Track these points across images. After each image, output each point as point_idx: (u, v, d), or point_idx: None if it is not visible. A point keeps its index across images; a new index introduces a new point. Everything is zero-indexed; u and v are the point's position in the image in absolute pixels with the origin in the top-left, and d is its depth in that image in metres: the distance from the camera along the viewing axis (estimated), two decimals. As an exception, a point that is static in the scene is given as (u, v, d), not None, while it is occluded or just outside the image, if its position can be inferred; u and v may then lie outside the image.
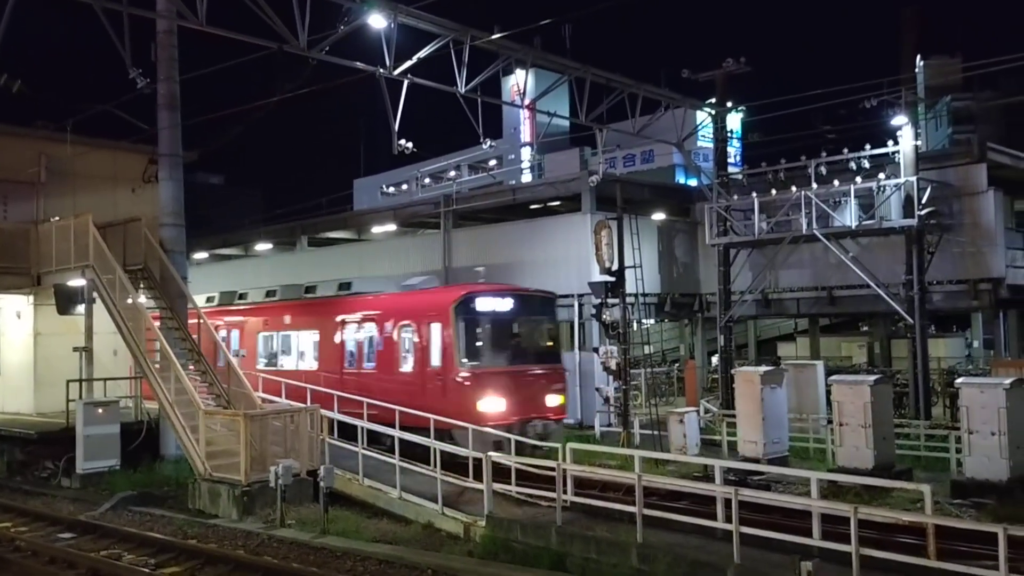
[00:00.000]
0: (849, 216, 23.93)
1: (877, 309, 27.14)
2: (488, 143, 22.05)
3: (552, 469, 13.59)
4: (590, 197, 27.61)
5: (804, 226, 24.33)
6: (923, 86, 40.46)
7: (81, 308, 21.56)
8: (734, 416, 19.92)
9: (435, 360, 19.54)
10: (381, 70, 17.92)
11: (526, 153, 49.84)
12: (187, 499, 17.19)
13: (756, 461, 17.36)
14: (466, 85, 19.18)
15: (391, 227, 35.51)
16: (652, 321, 32.02)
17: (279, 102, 19.53)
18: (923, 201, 23.02)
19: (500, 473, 14.72)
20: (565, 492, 13.44)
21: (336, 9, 16.60)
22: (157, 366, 18.84)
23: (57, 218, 22.51)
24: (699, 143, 35.05)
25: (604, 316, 22.07)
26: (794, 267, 27.51)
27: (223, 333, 25.77)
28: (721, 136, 27.36)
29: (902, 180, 23.07)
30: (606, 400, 23.58)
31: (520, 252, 28.50)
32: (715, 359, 30.92)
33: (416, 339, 20.17)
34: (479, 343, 19.75)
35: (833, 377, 18.17)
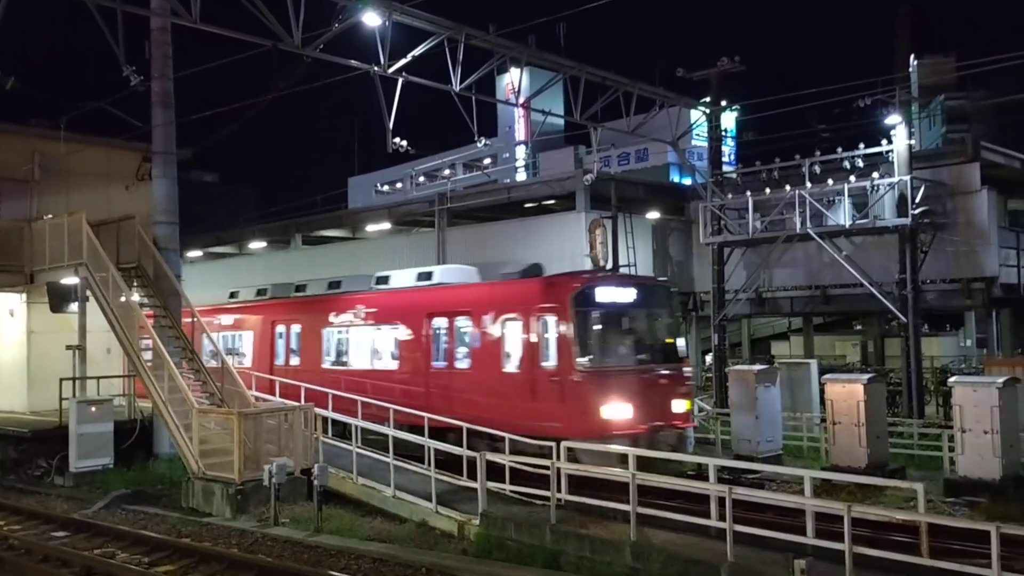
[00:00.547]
0: (843, 215, 23.99)
1: (871, 308, 27.23)
2: (483, 141, 22.07)
3: (546, 467, 13.59)
4: (584, 196, 27.66)
5: (798, 225, 24.39)
6: (917, 85, 40.61)
7: (74, 306, 21.49)
8: (728, 414, 19.95)
9: (548, 359, 17.18)
10: (376, 68, 17.90)
11: (521, 152, 49.87)
12: (181, 498, 17.15)
13: (750, 459, 17.39)
14: (461, 83, 19.18)
15: (386, 225, 35.53)
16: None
17: (273, 100, 19.50)
18: (917, 200, 23.09)
19: (494, 471, 14.71)
20: (559, 491, 13.44)
21: (330, 7, 16.59)
22: (150, 364, 18.79)
23: (51, 216, 22.45)
24: (693, 142, 35.12)
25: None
26: (788, 266, 27.59)
27: (280, 329, 24.72)
28: (715, 135, 27.40)
29: (896, 179, 23.13)
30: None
31: (515, 251, 28.52)
32: (709, 358, 30.97)
33: (524, 335, 17.77)
34: (601, 339, 17.54)
35: (827, 376, 18.20)
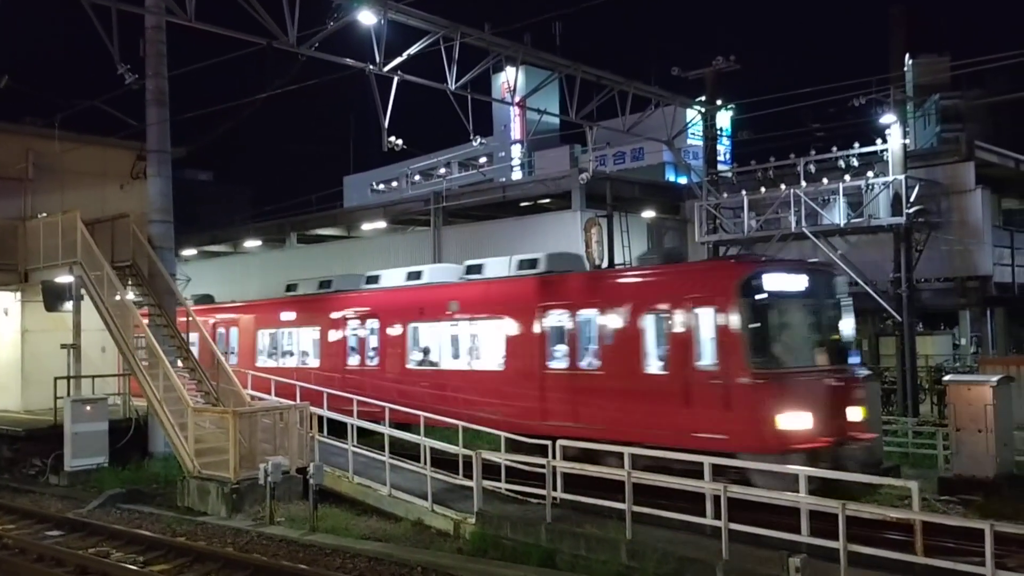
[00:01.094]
0: (838, 214, 24.04)
1: (865, 307, 27.18)
2: (478, 140, 22.06)
3: (542, 466, 13.59)
4: (580, 195, 27.67)
5: (793, 224, 24.43)
6: (912, 84, 40.63)
7: (69, 305, 21.46)
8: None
9: (707, 358, 14.85)
10: (371, 67, 17.88)
11: (516, 150, 49.88)
12: (176, 497, 17.13)
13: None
14: (456, 82, 19.16)
15: (381, 224, 35.51)
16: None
17: (268, 99, 19.48)
18: (911, 199, 23.14)
19: (489, 470, 14.72)
20: (555, 489, 13.45)
21: (326, 5, 16.57)
22: (145, 363, 18.76)
23: (45, 214, 22.41)
24: (689, 141, 35.14)
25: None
26: (783, 265, 27.57)
27: (353, 326, 22.43)
28: (711, 134, 27.43)
29: (890, 178, 23.18)
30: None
31: (510, 249, 28.38)
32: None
33: (674, 330, 15.37)
34: (774, 334, 15.15)
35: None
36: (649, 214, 30.58)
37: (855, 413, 14.87)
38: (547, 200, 30.46)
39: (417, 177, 46.89)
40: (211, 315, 27.23)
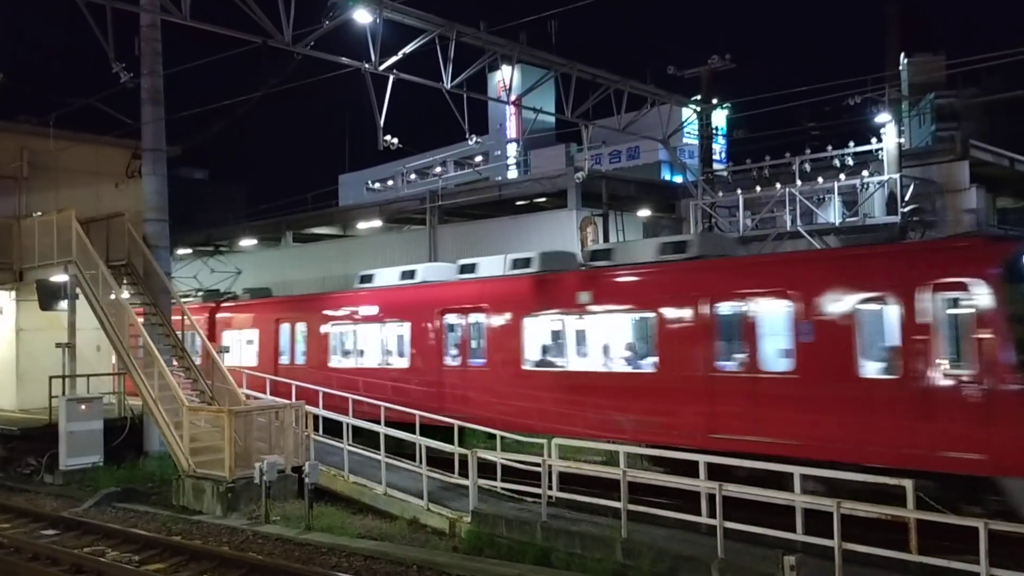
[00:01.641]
0: (833, 213, 24.07)
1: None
2: (474, 139, 22.04)
3: (538, 465, 13.61)
4: (576, 193, 27.65)
5: (788, 223, 24.45)
6: (907, 83, 40.71)
7: (64, 304, 21.44)
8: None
9: (954, 357, 12.32)
10: (366, 65, 17.87)
11: (512, 149, 49.88)
12: (171, 495, 17.13)
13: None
14: (452, 81, 19.16)
15: (376, 223, 35.46)
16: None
17: (264, 97, 19.45)
18: (906, 198, 23.17)
19: (485, 469, 14.72)
20: (550, 488, 13.46)
21: (321, 4, 16.56)
22: (140, 362, 18.74)
23: (40, 213, 22.37)
24: (684, 139, 35.18)
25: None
26: (779, 263, 27.56)
27: (452, 320, 19.73)
28: (706, 133, 27.47)
29: (886, 177, 23.22)
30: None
31: (506, 248, 28.38)
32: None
33: (905, 323, 12.58)
34: None
35: None
36: (645, 213, 30.58)
37: None
38: (543, 199, 30.44)
39: (413, 176, 46.83)
40: (269, 311, 25.14)
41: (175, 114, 21.55)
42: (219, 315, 26.85)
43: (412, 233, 34.23)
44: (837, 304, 13.38)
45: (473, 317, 19.27)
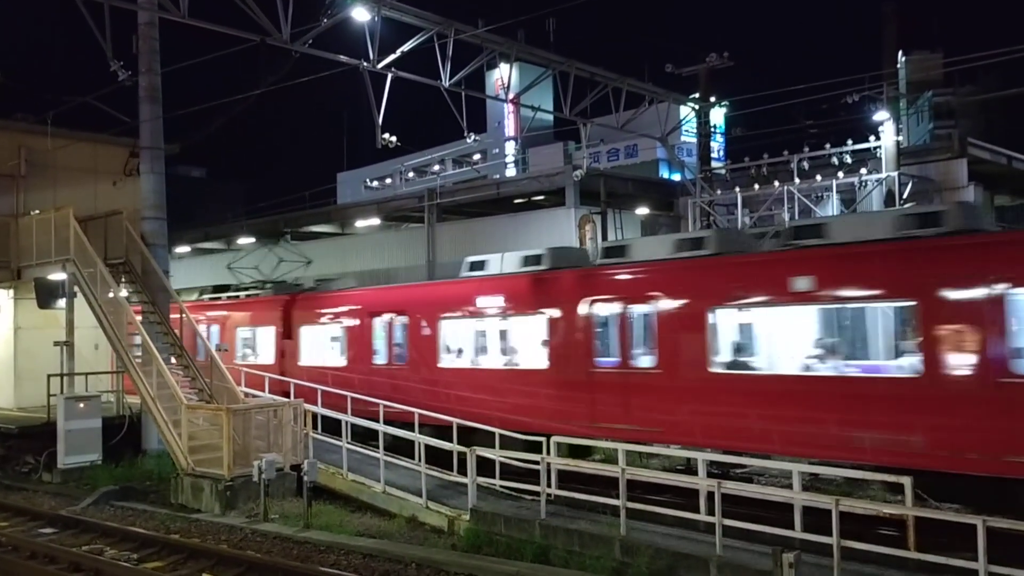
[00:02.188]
0: (831, 210, 24.09)
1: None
2: (472, 137, 22.05)
3: (536, 463, 13.61)
4: (574, 191, 27.66)
5: (787, 220, 24.46)
6: (904, 81, 40.74)
7: (62, 302, 21.41)
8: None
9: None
10: (365, 63, 17.87)
11: (510, 147, 49.90)
12: (169, 494, 17.12)
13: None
14: (450, 79, 19.16)
15: (375, 221, 35.46)
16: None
17: (262, 95, 19.45)
18: (904, 196, 23.20)
19: (484, 467, 14.72)
20: (549, 486, 13.47)
21: (319, 2, 16.54)
22: (139, 360, 18.73)
23: (37, 211, 22.34)
24: (683, 138, 35.19)
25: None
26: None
27: (608, 312, 16.40)
28: (704, 131, 27.46)
29: (884, 175, 23.25)
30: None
31: (504, 246, 28.39)
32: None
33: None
34: None
35: None
36: (643, 211, 30.60)
37: None
38: (541, 197, 30.46)
39: (411, 174, 46.82)
40: (361, 303, 21.85)
41: (173, 112, 21.54)
42: (297, 309, 23.60)
43: (410, 231, 34.24)
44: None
45: (639, 309, 15.94)
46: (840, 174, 24.06)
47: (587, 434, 15.91)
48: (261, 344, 24.77)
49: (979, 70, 35.84)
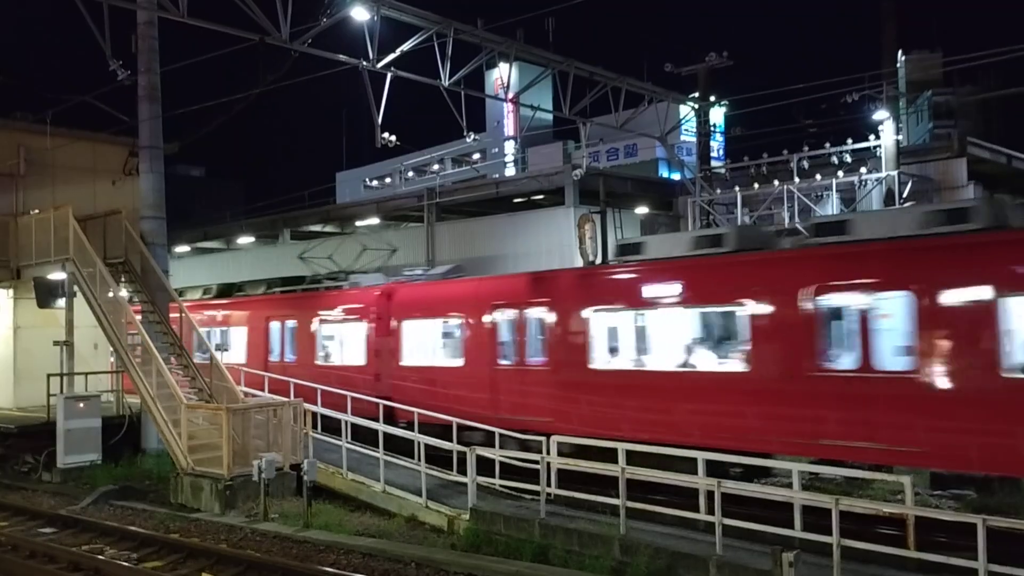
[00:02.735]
0: (831, 210, 24.10)
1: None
2: (472, 137, 22.05)
3: (536, 463, 13.61)
4: (573, 191, 27.66)
5: (786, 220, 24.48)
6: (904, 81, 40.74)
7: (61, 302, 21.39)
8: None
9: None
10: (364, 63, 17.87)
11: (509, 147, 49.89)
12: (169, 493, 17.11)
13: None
14: (449, 78, 19.16)
15: (374, 220, 35.47)
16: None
17: (261, 94, 19.46)
18: (904, 195, 23.20)
19: (484, 466, 14.73)
20: (549, 485, 13.47)
21: (319, 1, 16.54)
22: (138, 360, 18.72)
23: (36, 210, 22.32)
24: (682, 137, 35.18)
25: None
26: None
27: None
28: (704, 130, 27.46)
29: (883, 174, 23.26)
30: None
31: (503, 245, 28.52)
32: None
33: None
34: None
35: None
36: (642, 210, 30.60)
37: None
38: (540, 196, 30.46)
39: (410, 173, 46.88)
40: (471, 294, 19.34)
41: (172, 111, 21.54)
42: (399, 302, 20.66)
43: (410, 230, 34.23)
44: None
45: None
46: (840, 173, 24.06)
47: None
48: (349, 342, 21.91)
49: (978, 70, 35.85)
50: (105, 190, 24.84)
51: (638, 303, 16.02)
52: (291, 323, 23.63)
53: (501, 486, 14.84)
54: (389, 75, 18.56)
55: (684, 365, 15.28)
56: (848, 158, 24.27)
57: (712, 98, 27.36)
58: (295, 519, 14.82)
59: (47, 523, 15.30)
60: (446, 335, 19.80)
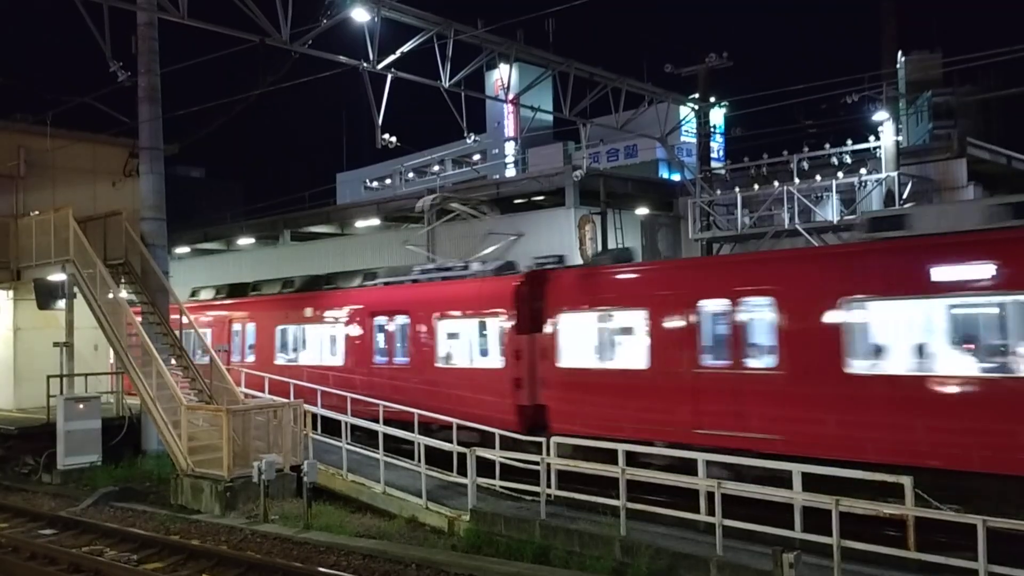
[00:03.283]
0: (831, 211, 24.05)
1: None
2: (472, 137, 22.02)
3: (536, 464, 13.61)
4: (574, 191, 27.64)
5: (786, 221, 24.43)
6: (904, 81, 40.73)
7: (61, 303, 21.41)
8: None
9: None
10: (364, 64, 17.86)
11: (510, 147, 49.90)
12: (169, 494, 17.12)
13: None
14: (450, 79, 19.14)
15: (374, 221, 35.44)
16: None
17: (261, 95, 19.45)
18: (904, 196, 23.17)
19: (484, 467, 14.73)
20: (549, 486, 13.47)
21: (319, 2, 16.53)
22: (138, 361, 18.72)
23: (37, 212, 22.33)
24: (682, 138, 35.16)
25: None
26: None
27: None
28: (704, 131, 27.43)
29: (883, 175, 23.22)
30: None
31: (503, 247, 28.48)
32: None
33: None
34: None
35: None
36: (643, 211, 30.58)
37: None
38: (540, 197, 30.43)
39: (411, 174, 46.84)
40: (665, 283, 16.44)
41: (172, 112, 21.54)
42: (557, 293, 17.58)
43: (410, 231, 34.20)
44: None
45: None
46: (840, 174, 24.01)
47: None
48: (478, 340, 19.22)
49: (978, 70, 35.84)
50: (105, 191, 24.86)
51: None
52: (401, 319, 20.66)
53: (501, 487, 14.85)
54: (389, 76, 18.55)
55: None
56: (848, 159, 24.23)
57: (712, 99, 27.34)
58: (295, 520, 14.82)
59: (48, 524, 15.31)
60: (622, 331, 16.66)
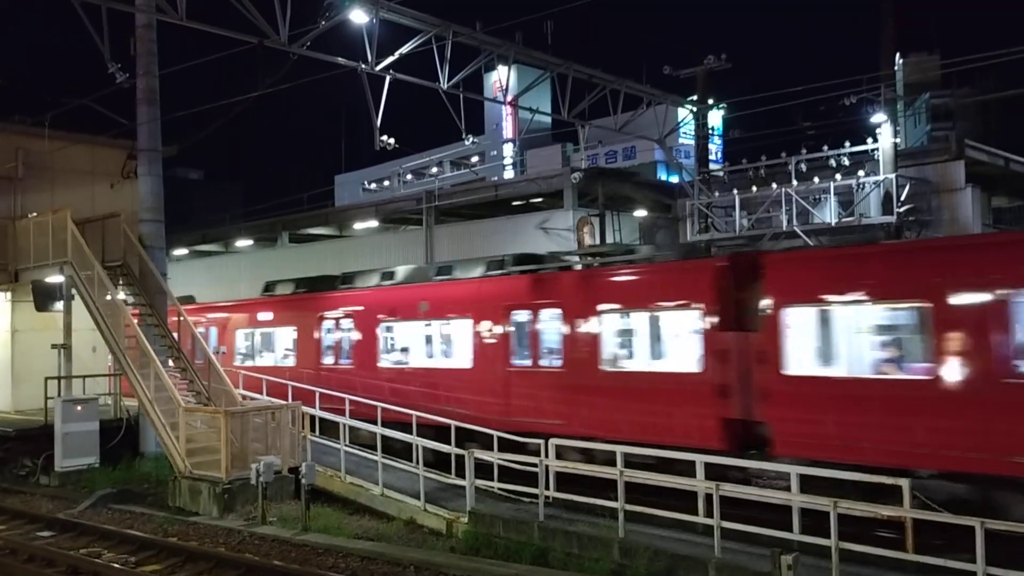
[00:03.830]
0: (829, 213, 24.06)
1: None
2: (470, 139, 22.03)
3: (534, 466, 13.60)
4: (572, 193, 27.64)
5: (784, 223, 24.43)
6: (902, 83, 40.75)
7: (59, 305, 21.39)
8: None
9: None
10: (363, 66, 17.86)
11: (508, 149, 49.95)
12: (167, 497, 17.10)
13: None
14: (448, 81, 19.16)
15: (373, 223, 35.45)
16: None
17: (260, 97, 19.42)
18: (902, 198, 23.19)
19: (482, 469, 14.72)
20: (547, 488, 13.46)
21: (317, 4, 16.53)
22: (136, 363, 18.70)
23: (35, 213, 22.32)
24: (680, 139, 35.21)
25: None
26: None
27: None
28: (702, 132, 27.44)
29: (881, 177, 23.23)
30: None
31: (502, 248, 28.43)
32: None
33: None
34: None
35: None
36: (641, 213, 30.60)
37: None
38: (539, 199, 30.44)
39: (409, 176, 46.90)
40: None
41: (171, 114, 21.54)
42: (776, 280, 13.90)
43: (409, 233, 34.21)
44: None
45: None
46: (838, 176, 24.02)
47: None
48: (658, 338, 16.13)
49: (977, 72, 35.85)
50: (104, 193, 24.85)
51: None
52: (550, 312, 17.30)
53: (500, 488, 14.84)
54: (388, 78, 18.56)
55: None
56: (846, 161, 24.22)
57: (710, 101, 27.36)
58: (294, 522, 14.81)
59: (45, 526, 15.30)
60: (887, 328, 13.34)
